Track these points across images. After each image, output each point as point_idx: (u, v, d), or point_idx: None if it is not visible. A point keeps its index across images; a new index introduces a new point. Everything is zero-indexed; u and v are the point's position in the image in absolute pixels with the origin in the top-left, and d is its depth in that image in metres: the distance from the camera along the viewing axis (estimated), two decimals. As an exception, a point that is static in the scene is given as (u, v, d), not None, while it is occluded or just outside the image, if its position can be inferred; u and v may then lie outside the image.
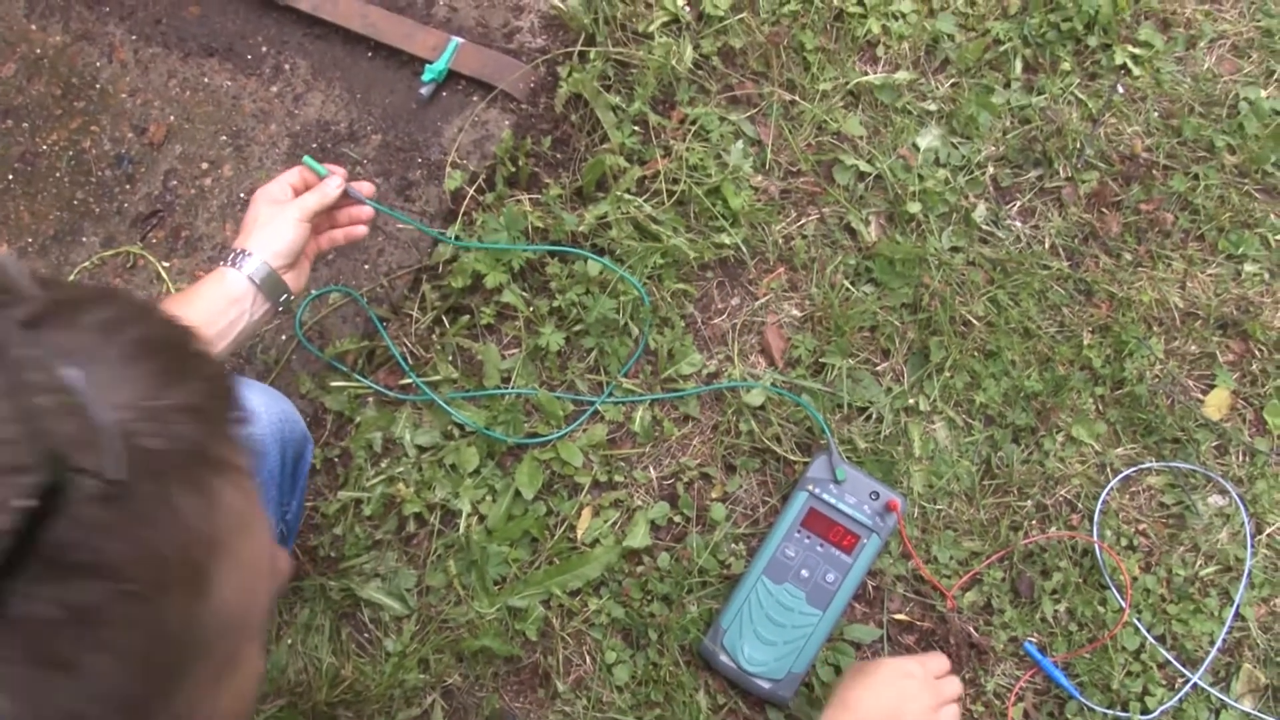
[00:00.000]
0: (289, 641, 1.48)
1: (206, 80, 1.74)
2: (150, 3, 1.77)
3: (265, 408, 1.22)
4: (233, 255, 1.21)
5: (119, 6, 1.77)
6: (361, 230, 1.36)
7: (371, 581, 1.50)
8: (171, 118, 1.72)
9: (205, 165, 1.70)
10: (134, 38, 1.76)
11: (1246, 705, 1.49)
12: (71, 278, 1.65)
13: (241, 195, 1.67)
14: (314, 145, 1.68)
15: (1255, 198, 1.67)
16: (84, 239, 1.67)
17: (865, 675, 1.29)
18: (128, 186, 1.70)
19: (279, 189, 1.27)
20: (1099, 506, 1.53)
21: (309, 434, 1.32)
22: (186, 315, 1.10)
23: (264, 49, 1.75)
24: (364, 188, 1.33)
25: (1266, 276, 1.65)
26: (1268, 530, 1.55)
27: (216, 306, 1.18)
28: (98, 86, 1.73)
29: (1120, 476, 1.56)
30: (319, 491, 1.53)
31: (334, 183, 1.29)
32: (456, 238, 1.59)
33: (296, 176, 1.29)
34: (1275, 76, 1.73)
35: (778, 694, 1.44)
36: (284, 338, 1.61)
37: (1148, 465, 1.56)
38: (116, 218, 1.68)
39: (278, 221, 1.23)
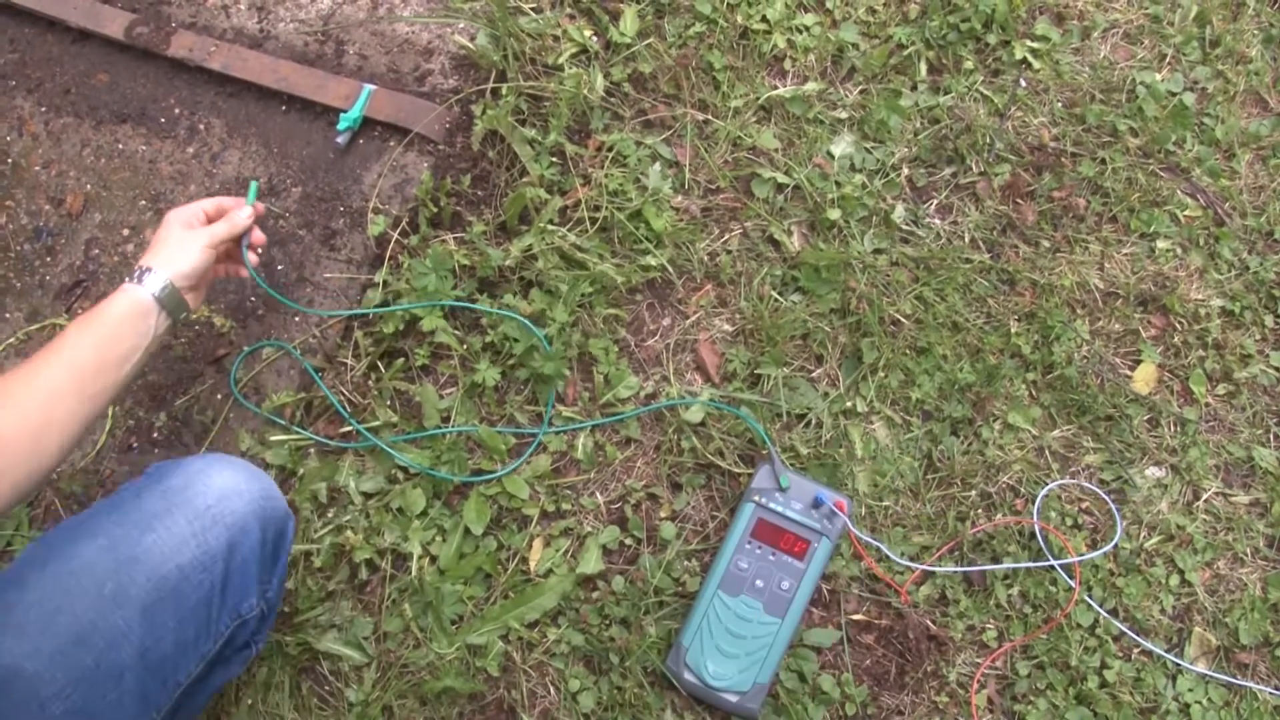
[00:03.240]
0: (249, 702, 1.46)
1: (121, 146, 1.73)
2: (57, 74, 1.76)
3: (246, 485, 1.22)
4: (138, 272, 1.28)
5: (25, 80, 1.76)
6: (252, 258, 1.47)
7: (328, 633, 1.49)
8: (88, 186, 1.71)
9: (126, 231, 1.69)
10: (43, 109, 1.74)
11: (1201, 667, 1.52)
12: (-4, 356, 1.63)
13: (165, 258, 1.66)
14: (234, 202, 1.68)
15: (1161, 177, 1.72)
16: (7, 315, 1.65)
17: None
18: (49, 259, 1.68)
19: (191, 213, 1.37)
20: (1040, 496, 1.56)
21: (290, 511, 1.31)
22: (95, 334, 1.19)
23: (177, 111, 1.74)
24: (257, 236, 1.46)
25: (1179, 251, 1.70)
26: (1204, 496, 1.58)
27: (124, 325, 1.23)
28: (9, 161, 1.72)
29: (1056, 483, 1.59)
30: (266, 548, 1.52)
31: (244, 213, 1.42)
32: (384, 284, 1.59)
33: (212, 205, 1.40)
34: (1168, 59, 1.79)
35: (745, 706, 1.44)
36: (219, 396, 1.59)
37: (1072, 483, 1.60)
38: (39, 291, 1.66)
39: (186, 244, 1.32)
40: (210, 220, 1.39)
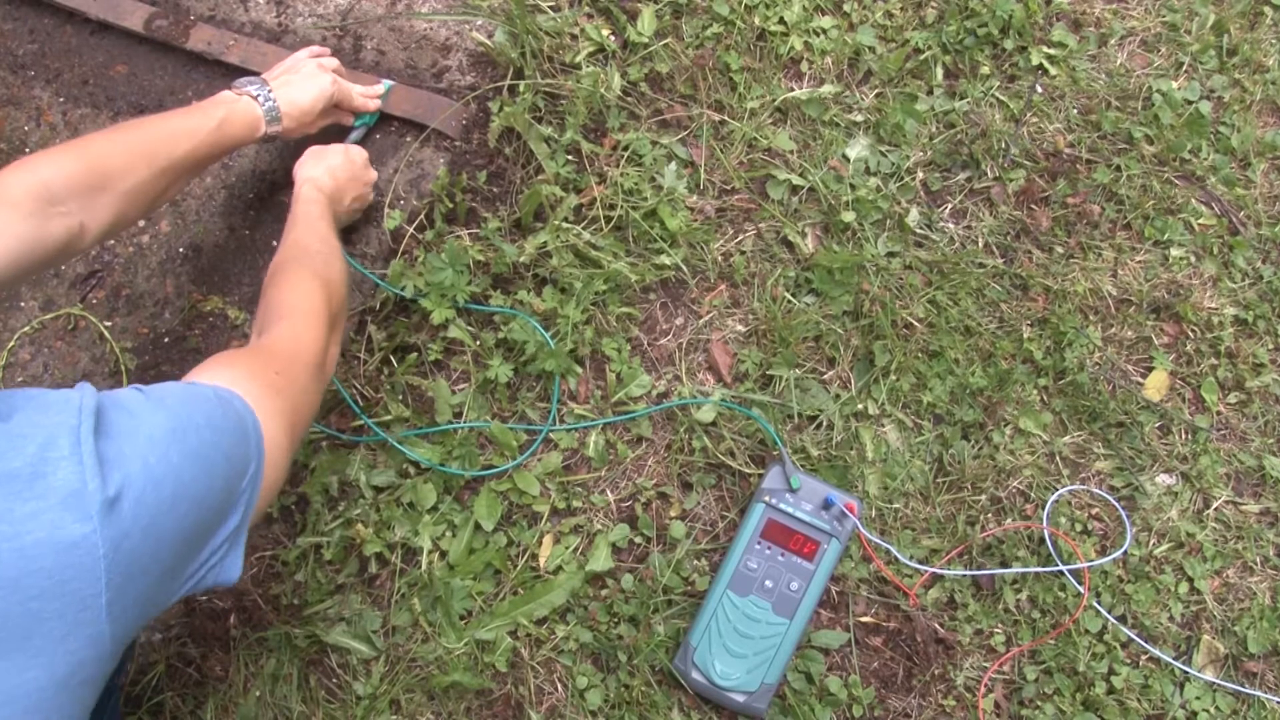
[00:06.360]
0: (257, 693, 1.47)
1: (138, 138, 1.73)
2: (76, 64, 1.77)
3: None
4: (261, 91, 1.43)
5: (44, 70, 1.76)
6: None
7: (337, 626, 1.49)
8: (105, 178, 1.71)
9: (142, 223, 1.69)
10: (61, 100, 1.75)
11: (1209, 675, 1.51)
12: (11, 343, 1.63)
13: (180, 250, 1.67)
14: (250, 195, 1.68)
15: (1175, 185, 1.72)
16: (22, 304, 1.66)
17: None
18: (64, 249, 1.68)
19: (324, 55, 1.59)
20: (1050, 501, 1.56)
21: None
22: (192, 130, 1.31)
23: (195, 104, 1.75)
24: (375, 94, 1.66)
25: (1193, 259, 1.70)
26: (1215, 504, 1.58)
27: (224, 136, 1.36)
28: (27, 150, 1.72)
29: (1066, 489, 1.59)
30: (277, 540, 1.52)
31: (375, 103, 1.64)
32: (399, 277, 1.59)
33: (332, 88, 1.53)
34: (1184, 68, 1.79)
35: (752, 706, 1.44)
36: (232, 389, 1.60)
37: (1082, 489, 1.60)
38: (54, 280, 1.67)
39: (312, 80, 1.50)
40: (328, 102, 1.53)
